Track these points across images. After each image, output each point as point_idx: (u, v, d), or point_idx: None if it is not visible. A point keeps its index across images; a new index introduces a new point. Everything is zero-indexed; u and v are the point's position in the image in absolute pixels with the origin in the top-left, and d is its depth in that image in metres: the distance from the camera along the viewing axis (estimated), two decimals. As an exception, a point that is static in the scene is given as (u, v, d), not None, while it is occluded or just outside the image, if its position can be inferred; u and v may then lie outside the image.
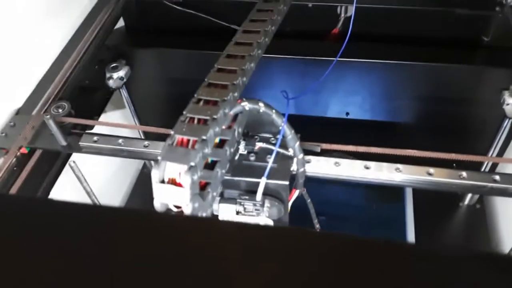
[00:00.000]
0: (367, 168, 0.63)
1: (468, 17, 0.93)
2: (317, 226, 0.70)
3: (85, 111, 0.80)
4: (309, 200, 0.67)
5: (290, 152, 0.60)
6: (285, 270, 0.25)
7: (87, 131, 0.76)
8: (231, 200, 0.59)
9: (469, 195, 1.12)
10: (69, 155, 0.80)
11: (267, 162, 0.58)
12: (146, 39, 1.04)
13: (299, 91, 0.87)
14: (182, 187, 0.46)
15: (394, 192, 1.13)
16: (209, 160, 0.52)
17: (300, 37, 0.99)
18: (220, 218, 0.60)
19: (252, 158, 0.60)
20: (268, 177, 0.58)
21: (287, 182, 0.59)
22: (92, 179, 0.92)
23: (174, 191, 0.46)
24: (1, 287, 0.23)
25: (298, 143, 0.59)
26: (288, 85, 1.04)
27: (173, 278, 0.24)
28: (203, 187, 0.50)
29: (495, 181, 0.60)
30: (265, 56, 0.66)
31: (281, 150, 0.60)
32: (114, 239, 0.27)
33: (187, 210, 0.46)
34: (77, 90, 0.84)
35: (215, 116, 0.50)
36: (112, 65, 0.95)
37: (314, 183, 0.64)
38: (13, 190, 0.68)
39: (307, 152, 0.63)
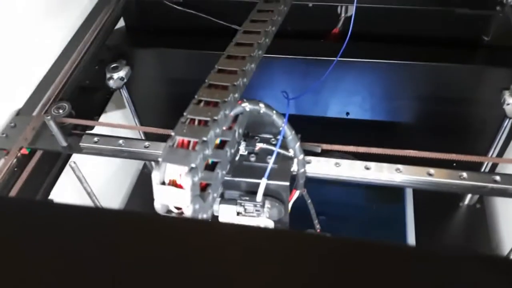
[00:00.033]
0: (367, 168, 0.63)
1: (468, 17, 0.93)
2: (318, 226, 0.70)
3: (86, 111, 0.80)
4: (309, 201, 0.67)
5: (291, 153, 0.60)
6: (285, 272, 0.25)
7: (87, 132, 0.76)
8: (232, 201, 0.59)
9: (469, 195, 1.12)
10: (69, 156, 0.80)
11: (268, 163, 0.58)
12: (147, 39, 1.04)
13: (300, 91, 0.87)
14: (182, 188, 0.46)
15: (394, 192, 1.13)
16: (210, 161, 0.52)
17: (301, 37, 0.99)
18: (220, 219, 0.60)
19: (253, 159, 0.60)
20: (269, 178, 0.58)
21: (287, 183, 0.59)
22: (93, 179, 0.92)
23: (175, 192, 0.46)
24: (4, 286, 0.24)
25: (298, 143, 0.59)
26: (288, 85, 1.04)
27: (173, 279, 0.24)
28: (204, 188, 0.50)
29: (495, 181, 0.60)
30: (266, 56, 0.66)
31: (282, 151, 0.60)
32: (115, 241, 0.27)
33: (188, 211, 0.46)
34: (78, 90, 0.84)
35: (215, 118, 0.50)
36: (113, 66, 0.95)
37: (315, 183, 0.65)
38: (14, 191, 0.68)
39: (307, 152, 0.63)
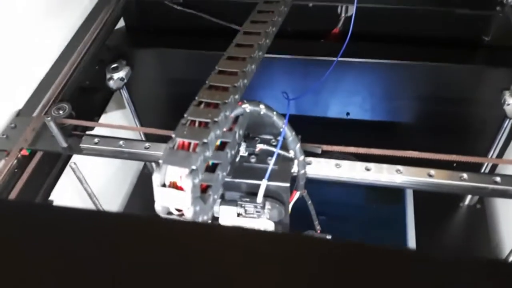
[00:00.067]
0: (367, 169, 0.63)
1: (468, 17, 0.93)
2: (318, 227, 0.70)
3: (86, 112, 0.80)
4: (309, 202, 0.67)
5: (291, 154, 0.60)
6: (285, 273, 0.25)
7: (87, 133, 0.76)
8: (232, 202, 0.59)
9: (470, 196, 1.12)
10: (69, 157, 0.80)
11: (268, 164, 0.58)
12: (147, 39, 1.04)
13: (300, 91, 0.87)
14: (183, 190, 0.46)
15: (394, 192, 1.13)
16: (210, 162, 0.52)
17: (301, 37, 0.99)
18: (221, 220, 0.60)
19: (253, 160, 0.60)
20: (269, 179, 0.58)
21: (288, 184, 0.59)
22: (93, 179, 0.92)
23: (175, 194, 0.46)
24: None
25: (299, 145, 0.59)
26: (288, 85, 1.04)
27: (173, 281, 0.24)
28: (204, 190, 0.50)
29: (495, 182, 0.60)
30: (266, 56, 0.66)
31: (282, 152, 0.60)
32: (116, 243, 0.27)
33: (188, 213, 0.46)
34: (78, 90, 0.84)
35: (216, 119, 0.50)
36: (113, 66, 0.95)
37: (315, 184, 0.65)
38: (14, 192, 0.68)
39: (307, 153, 0.63)
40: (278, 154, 0.59)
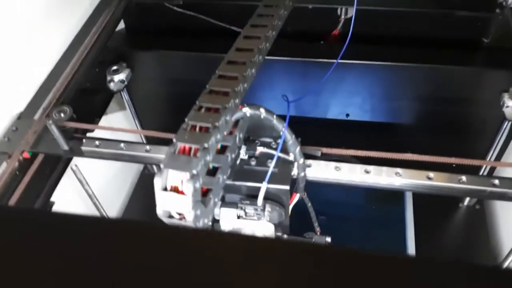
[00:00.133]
0: (367, 172, 0.63)
1: (468, 19, 0.94)
2: (318, 229, 0.70)
3: (86, 114, 0.81)
4: (309, 204, 0.67)
5: (291, 157, 0.61)
6: (285, 273, 0.25)
7: (88, 134, 0.76)
8: (232, 204, 0.60)
9: (469, 196, 1.12)
10: (70, 158, 0.81)
11: (268, 167, 0.59)
12: (147, 41, 1.05)
13: (300, 92, 0.87)
14: (184, 194, 0.46)
15: (394, 192, 1.13)
16: (211, 166, 0.53)
17: (301, 38, 0.99)
18: (221, 222, 0.61)
19: (253, 163, 0.61)
20: (269, 182, 0.58)
21: (287, 187, 0.59)
22: (93, 181, 0.92)
23: (177, 198, 0.46)
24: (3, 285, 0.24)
25: (299, 148, 0.60)
26: (288, 87, 1.05)
27: (173, 281, 0.25)
28: (205, 193, 0.51)
29: (494, 185, 0.61)
30: (266, 57, 0.66)
31: (282, 155, 0.60)
32: (116, 244, 0.28)
33: (189, 217, 0.47)
34: (78, 93, 0.85)
35: (216, 124, 0.50)
36: (113, 68, 0.95)
37: (315, 184, 0.65)
38: (16, 194, 0.69)
39: (307, 156, 0.63)
40: (278, 157, 0.60)
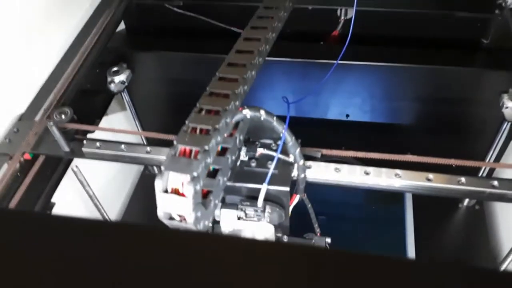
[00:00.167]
0: (366, 173, 0.64)
1: (467, 20, 0.94)
2: (318, 230, 0.71)
3: (86, 115, 0.81)
4: (309, 205, 0.68)
5: (291, 158, 0.61)
6: (285, 274, 0.26)
7: (89, 136, 0.76)
8: (233, 206, 0.60)
9: (469, 197, 1.12)
10: (71, 159, 0.81)
11: (268, 168, 0.59)
12: (147, 42, 1.05)
13: (300, 93, 0.87)
14: (185, 197, 0.46)
15: (394, 193, 1.13)
16: (211, 168, 0.53)
17: (301, 39, 1.00)
18: (221, 223, 0.61)
19: (253, 164, 0.61)
20: (269, 183, 0.58)
21: (287, 188, 0.59)
22: (94, 181, 0.93)
23: (177, 200, 0.46)
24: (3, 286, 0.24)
25: (299, 149, 0.60)
26: (288, 88, 1.05)
27: (174, 282, 0.25)
28: (205, 195, 0.51)
29: (493, 186, 0.61)
30: (266, 58, 0.66)
31: (282, 156, 0.60)
32: (115, 245, 0.28)
33: (190, 219, 0.47)
34: (79, 94, 0.85)
35: (217, 126, 0.50)
36: (114, 69, 0.95)
37: (315, 184, 0.65)
38: (17, 195, 0.69)
39: (307, 157, 0.64)
40: (278, 159, 0.60)
